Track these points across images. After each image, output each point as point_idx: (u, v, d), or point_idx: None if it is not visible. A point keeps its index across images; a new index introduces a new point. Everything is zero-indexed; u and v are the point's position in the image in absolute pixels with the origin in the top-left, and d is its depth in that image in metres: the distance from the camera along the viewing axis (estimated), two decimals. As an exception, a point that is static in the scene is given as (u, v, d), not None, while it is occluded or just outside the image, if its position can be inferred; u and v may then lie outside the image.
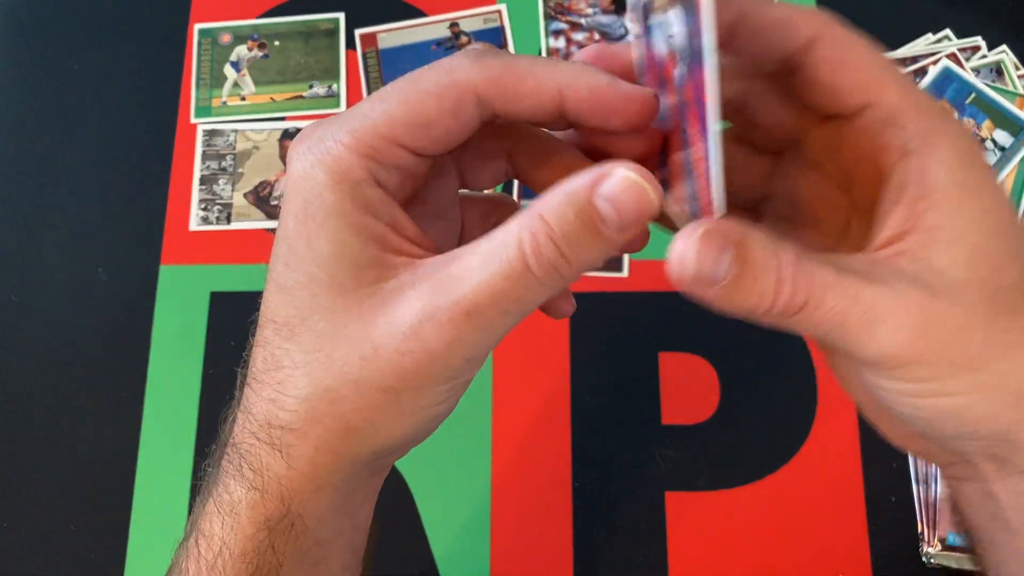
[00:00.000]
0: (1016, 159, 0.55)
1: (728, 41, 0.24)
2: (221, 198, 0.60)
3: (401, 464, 0.54)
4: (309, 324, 0.24)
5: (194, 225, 0.59)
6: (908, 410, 0.24)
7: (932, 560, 0.49)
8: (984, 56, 0.58)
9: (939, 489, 0.50)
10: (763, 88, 0.26)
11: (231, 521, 0.25)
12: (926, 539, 0.50)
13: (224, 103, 0.62)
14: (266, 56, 0.63)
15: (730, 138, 0.28)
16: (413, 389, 0.24)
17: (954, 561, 0.49)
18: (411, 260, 0.24)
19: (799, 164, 0.27)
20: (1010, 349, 0.22)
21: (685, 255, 0.22)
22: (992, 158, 0.55)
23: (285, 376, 0.24)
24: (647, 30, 0.23)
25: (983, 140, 0.56)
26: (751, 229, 0.22)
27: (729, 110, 0.26)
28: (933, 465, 0.51)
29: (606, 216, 0.22)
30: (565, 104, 0.24)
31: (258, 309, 0.27)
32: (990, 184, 0.23)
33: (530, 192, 0.59)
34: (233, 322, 0.57)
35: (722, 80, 0.20)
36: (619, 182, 0.22)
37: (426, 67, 0.24)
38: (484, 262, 0.22)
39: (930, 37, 0.60)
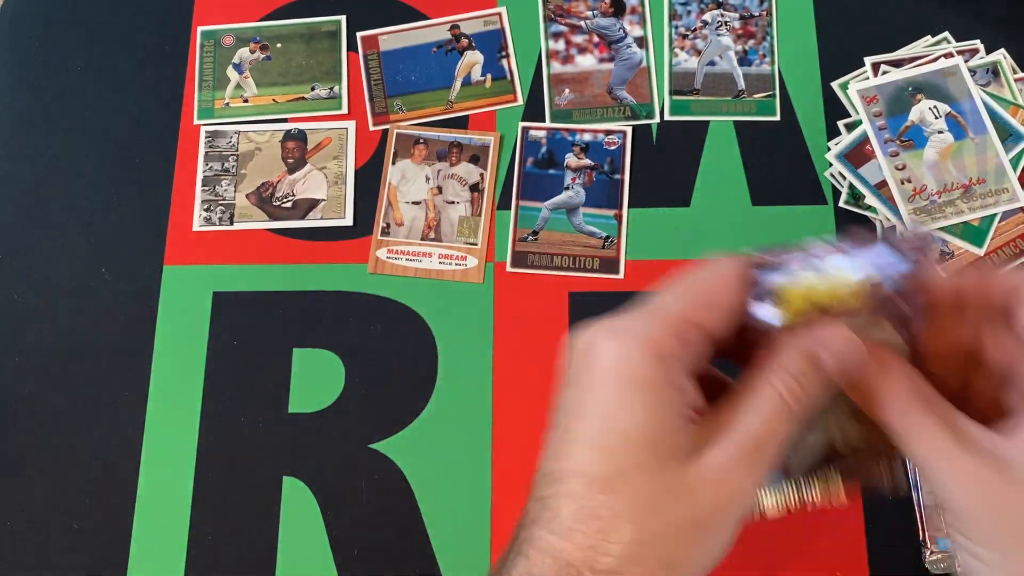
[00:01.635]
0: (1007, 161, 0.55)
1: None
2: (224, 199, 0.60)
3: (402, 462, 0.54)
4: (627, 479, 0.27)
5: (197, 226, 0.60)
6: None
7: (938, 567, 0.49)
8: (982, 58, 0.59)
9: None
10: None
11: None
12: (928, 545, 0.50)
13: (227, 105, 0.63)
14: (268, 58, 0.64)
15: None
16: (720, 524, 0.28)
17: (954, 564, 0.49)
18: (698, 419, 0.29)
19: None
20: None
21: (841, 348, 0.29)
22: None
23: (605, 525, 0.27)
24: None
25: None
26: (902, 361, 0.29)
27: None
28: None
29: (827, 364, 0.29)
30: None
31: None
32: None
33: (529, 193, 0.59)
34: (236, 322, 0.57)
35: None
36: (838, 340, 0.29)
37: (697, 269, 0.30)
38: (756, 409, 0.28)
39: (929, 39, 0.61)
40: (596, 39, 0.63)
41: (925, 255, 0.29)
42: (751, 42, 0.62)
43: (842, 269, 0.29)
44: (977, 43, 0.59)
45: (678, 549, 0.27)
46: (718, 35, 0.62)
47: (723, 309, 0.29)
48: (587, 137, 0.60)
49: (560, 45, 0.63)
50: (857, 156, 0.57)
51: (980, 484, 0.27)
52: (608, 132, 0.60)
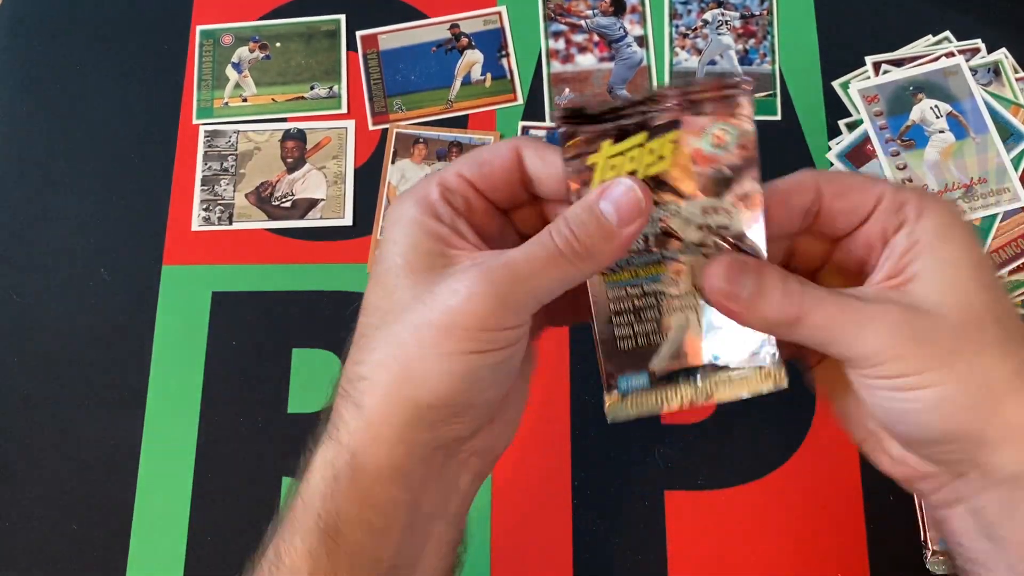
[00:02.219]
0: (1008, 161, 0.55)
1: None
2: (223, 198, 0.60)
3: (401, 463, 0.54)
4: (390, 297, 0.30)
5: (196, 225, 0.59)
6: (897, 405, 0.29)
7: (939, 567, 0.49)
8: (983, 57, 0.59)
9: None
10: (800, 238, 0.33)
11: (306, 472, 0.31)
12: (928, 545, 0.50)
13: (226, 104, 0.62)
14: (267, 57, 0.63)
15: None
16: (457, 328, 0.28)
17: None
18: (472, 252, 0.30)
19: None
20: (981, 353, 0.28)
21: (717, 274, 0.30)
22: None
23: (367, 341, 0.30)
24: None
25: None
26: (768, 264, 0.30)
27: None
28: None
29: (607, 212, 0.29)
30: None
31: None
32: (967, 238, 0.29)
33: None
34: (235, 322, 0.57)
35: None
36: (619, 189, 0.29)
37: None
38: (526, 246, 0.29)
39: (930, 39, 0.61)
40: (596, 38, 0.63)
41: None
42: (752, 41, 0.62)
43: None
44: (978, 42, 0.59)
45: (416, 354, 0.29)
46: (719, 34, 0.62)
47: (494, 167, 0.31)
48: (587, 136, 0.60)
49: (560, 44, 0.63)
50: (858, 156, 0.57)
51: (890, 320, 0.28)
52: (608, 131, 0.60)
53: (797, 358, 0.35)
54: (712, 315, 0.31)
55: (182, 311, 0.58)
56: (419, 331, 0.29)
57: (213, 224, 0.59)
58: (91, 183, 0.61)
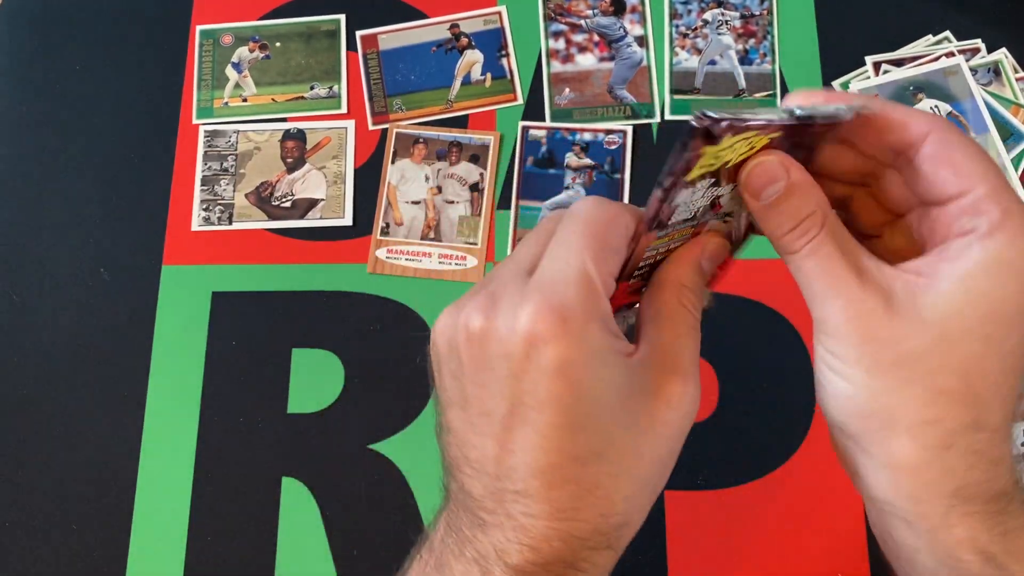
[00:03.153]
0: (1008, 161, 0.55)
1: (854, 136, 0.30)
2: (223, 198, 0.60)
3: (401, 463, 0.54)
4: (612, 442, 0.28)
5: (196, 225, 0.59)
6: (820, 375, 0.29)
7: None
8: (983, 57, 0.59)
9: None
10: (866, 188, 0.32)
11: None
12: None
13: (226, 104, 0.62)
14: (267, 57, 0.63)
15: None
16: (682, 437, 0.30)
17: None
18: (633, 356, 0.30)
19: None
20: (908, 383, 0.27)
21: (757, 168, 0.29)
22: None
23: (606, 492, 0.29)
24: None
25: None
26: (803, 184, 0.29)
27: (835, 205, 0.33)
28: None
29: (707, 269, 0.32)
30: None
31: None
32: (1010, 282, 0.27)
33: (529, 192, 0.59)
34: (235, 322, 0.57)
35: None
36: (713, 248, 0.32)
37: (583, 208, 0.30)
38: (676, 332, 0.30)
39: (930, 38, 0.61)
40: (596, 38, 0.63)
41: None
42: (752, 41, 0.62)
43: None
44: (978, 42, 0.59)
45: (662, 480, 0.30)
46: (719, 34, 0.62)
47: (622, 253, 0.30)
48: (587, 136, 0.60)
49: (560, 44, 0.63)
50: (858, 155, 0.57)
51: (862, 309, 0.27)
52: (608, 131, 0.60)
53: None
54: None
55: (182, 311, 0.58)
56: (666, 465, 0.30)
57: (213, 224, 0.59)
58: (91, 183, 0.61)
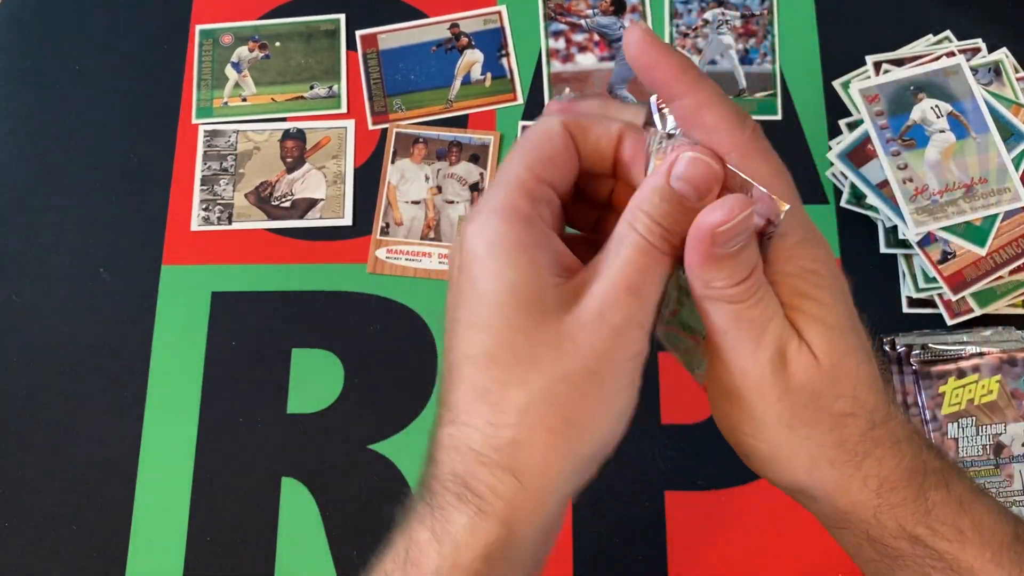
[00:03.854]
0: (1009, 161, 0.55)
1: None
2: (222, 198, 0.60)
3: (401, 463, 0.54)
4: (509, 346, 0.27)
5: (195, 225, 0.59)
6: (740, 430, 0.30)
7: None
8: (984, 57, 0.58)
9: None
10: None
11: (449, 549, 0.27)
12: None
13: (225, 104, 0.62)
14: (267, 57, 0.63)
15: None
16: (611, 366, 0.28)
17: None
18: (570, 274, 0.29)
19: None
20: (816, 424, 0.29)
21: (733, 213, 0.27)
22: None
23: (496, 398, 0.27)
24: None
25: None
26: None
27: None
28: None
29: (683, 192, 0.27)
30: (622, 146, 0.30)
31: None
32: (838, 300, 0.30)
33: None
34: (234, 322, 0.57)
35: None
36: (686, 162, 0.27)
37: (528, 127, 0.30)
38: (619, 254, 0.28)
39: (931, 38, 0.61)
40: (596, 38, 0.63)
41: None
42: (752, 41, 0.62)
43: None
44: (979, 42, 0.59)
45: (575, 402, 0.27)
46: (719, 34, 0.62)
47: (561, 161, 0.29)
48: (587, 136, 0.60)
49: (560, 44, 0.63)
50: (859, 155, 0.57)
51: (784, 361, 0.29)
52: (608, 131, 0.60)
53: None
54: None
55: (182, 311, 0.57)
56: (573, 382, 0.27)
57: (213, 224, 0.59)
58: (90, 183, 0.61)
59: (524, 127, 0.60)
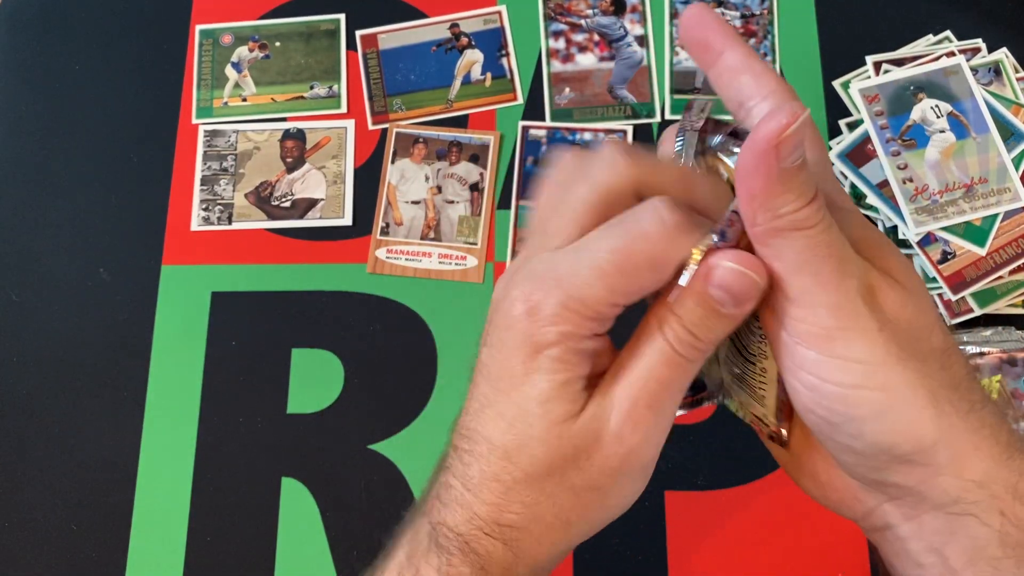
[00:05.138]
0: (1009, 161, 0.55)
1: None
2: (222, 198, 0.60)
3: (401, 463, 0.54)
4: (526, 449, 0.28)
5: (195, 225, 0.59)
6: (838, 409, 0.26)
7: None
8: (984, 57, 0.58)
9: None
10: None
11: None
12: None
13: (225, 104, 0.62)
14: (267, 57, 0.63)
15: None
16: (617, 485, 0.28)
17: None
18: (601, 371, 0.28)
19: None
20: (924, 360, 0.26)
21: (796, 115, 0.24)
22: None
23: (507, 488, 0.29)
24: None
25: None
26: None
27: None
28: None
29: (721, 300, 0.26)
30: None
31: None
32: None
33: (529, 192, 0.59)
34: (234, 322, 0.57)
35: None
36: (725, 273, 0.26)
37: (615, 222, 0.27)
38: (644, 359, 0.27)
39: (931, 38, 0.60)
40: (596, 38, 0.63)
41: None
42: (752, 41, 0.62)
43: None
44: (979, 42, 0.59)
45: (575, 509, 0.29)
46: (719, 34, 0.62)
47: (662, 272, 0.26)
48: (588, 136, 0.60)
49: (560, 44, 0.62)
50: (859, 155, 0.57)
51: (873, 279, 0.26)
52: (609, 131, 0.60)
53: None
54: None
55: (182, 311, 0.57)
56: (577, 494, 0.28)
57: (212, 224, 0.59)
58: (91, 183, 0.61)
59: (524, 127, 0.60)
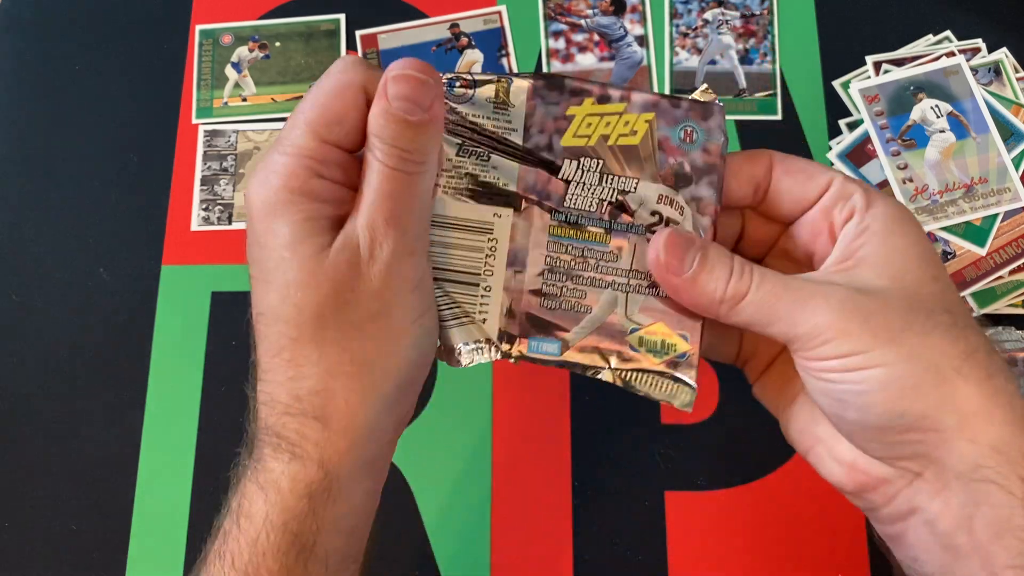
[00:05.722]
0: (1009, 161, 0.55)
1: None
2: (222, 198, 0.60)
3: (402, 463, 0.54)
4: (290, 301, 0.28)
5: (195, 225, 0.59)
6: (844, 387, 0.28)
7: None
8: (984, 57, 0.58)
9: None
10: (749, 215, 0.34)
11: (274, 495, 0.29)
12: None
13: (225, 104, 0.62)
14: (267, 57, 0.63)
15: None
16: (396, 305, 0.28)
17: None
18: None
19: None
20: (929, 333, 0.27)
21: (662, 246, 0.29)
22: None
23: (290, 354, 0.28)
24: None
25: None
26: (714, 242, 0.30)
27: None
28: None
29: (406, 109, 0.28)
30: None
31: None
32: (915, 230, 0.29)
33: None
34: (234, 322, 0.57)
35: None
36: (396, 83, 0.28)
37: (321, 78, 0.30)
38: (369, 184, 0.29)
39: (931, 38, 0.61)
40: (596, 38, 0.63)
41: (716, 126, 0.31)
42: (752, 41, 0.62)
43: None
44: (979, 42, 0.59)
45: (363, 345, 0.28)
46: (719, 34, 0.62)
47: (351, 120, 0.29)
48: (587, 136, 0.60)
49: (560, 44, 0.63)
50: (859, 155, 0.57)
51: (836, 297, 0.28)
52: (608, 131, 0.60)
53: (741, 369, 0.35)
54: (642, 303, 0.31)
55: (182, 311, 0.57)
56: (355, 321, 0.28)
57: (213, 224, 0.59)
58: (90, 183, 0.61)
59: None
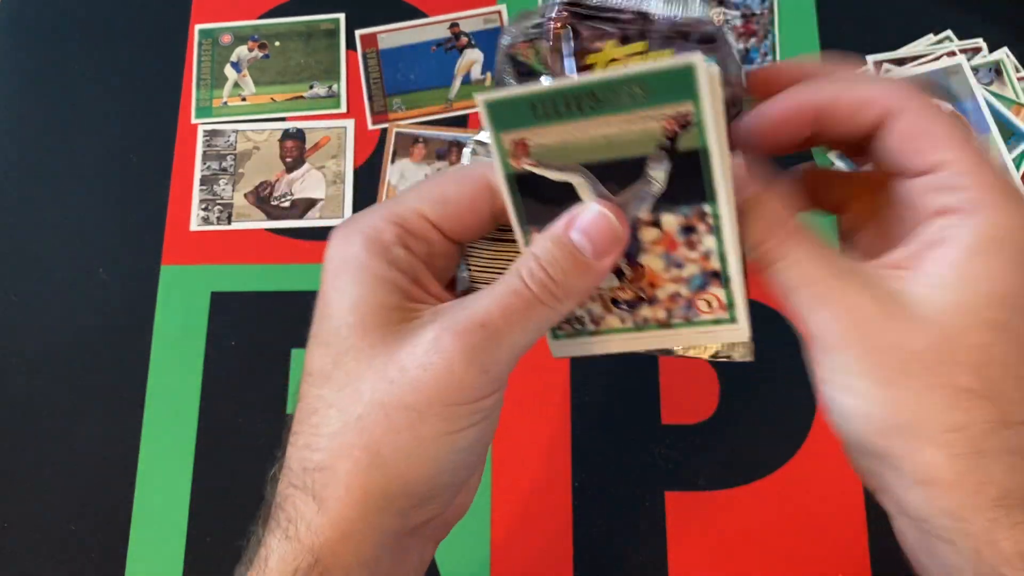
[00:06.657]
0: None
1: (815, 123, 0.28)
2: (222, 198, 0.60)
3: (401, 464, 0.54)
4: (341, 366, 0.26)
5: (195, 225, 0.59)
6: (833, 395, 0.26)
7: None
8: (984, 57, 0.58)
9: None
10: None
11: (260, 575, 0.26)
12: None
13: (225, 103, 0.62)
14: (267, 57, 0.63)
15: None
16: (434, 408, 0.25)
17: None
18: (434, 305, 0.27)
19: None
20: (931, 390, 0.24)
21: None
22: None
23: (319, 419, 0.26)
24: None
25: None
26: (775, 190, 0.27)
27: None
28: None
29: (580, 245, 0.26)
30: None
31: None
32: (1006, 261, 0.24)
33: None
34: (234, 322, 0.57)
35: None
36: (590, 216, 0.26)
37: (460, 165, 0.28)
38: (496, 295, 0.26)
39: (931, 38, 0.60)
40: (596, 37, 0.62)
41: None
42: (753, 40, 0.62)
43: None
44: (979, 42, 0.59)
45: (383, 435, 0.25)
46: (719, 33, 0.62)
47: (461, 212, 0.27)
48: (587, 136, 0.60)
49: (560, 43, 0.62)
50: (859, 155, 0.57)
51: (857, 317, 0.25)
52: (608, 131, 0.60)
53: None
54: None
55: (181, 311, 0.57)
56: (387, 413, 0.25)
57: (212, 224, 0.59)
58: (90, 183, 0.61)
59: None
